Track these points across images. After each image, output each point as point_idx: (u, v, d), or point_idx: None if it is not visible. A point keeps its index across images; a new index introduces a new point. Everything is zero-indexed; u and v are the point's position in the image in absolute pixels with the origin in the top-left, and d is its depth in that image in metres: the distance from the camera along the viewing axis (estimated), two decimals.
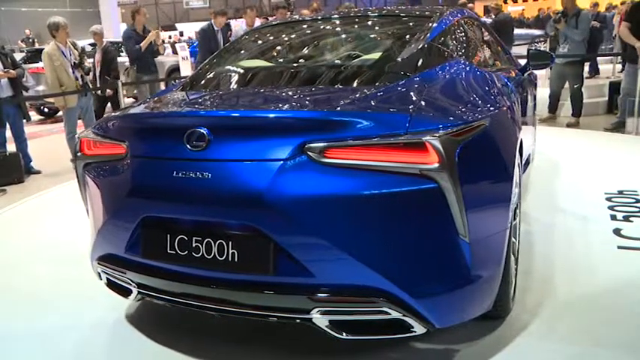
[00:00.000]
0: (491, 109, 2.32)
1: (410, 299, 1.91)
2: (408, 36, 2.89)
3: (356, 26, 3.45)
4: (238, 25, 9.68)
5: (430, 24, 2.88)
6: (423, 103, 2.11)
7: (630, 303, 2.69)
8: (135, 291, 2.32)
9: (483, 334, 2.41)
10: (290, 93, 2.48)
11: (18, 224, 4.61)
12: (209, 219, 2.07)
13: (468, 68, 2.72)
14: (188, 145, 2.03)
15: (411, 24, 3.15)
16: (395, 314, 1.93)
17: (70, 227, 4.25)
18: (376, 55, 2.78)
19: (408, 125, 1.88)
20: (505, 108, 2.51)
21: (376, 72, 2.54)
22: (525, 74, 4.12)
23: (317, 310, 1.96)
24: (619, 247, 3.35)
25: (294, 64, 3.01)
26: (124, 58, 12.89)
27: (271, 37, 3.49)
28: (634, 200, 4.18)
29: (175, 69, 13.47)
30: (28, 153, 6.73)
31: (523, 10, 29.25)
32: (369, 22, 3.44)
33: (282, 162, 1.92)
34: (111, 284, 2.46)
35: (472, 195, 1.95)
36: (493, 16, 10.58)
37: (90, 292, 2.95)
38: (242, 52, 3.35)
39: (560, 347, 2.33)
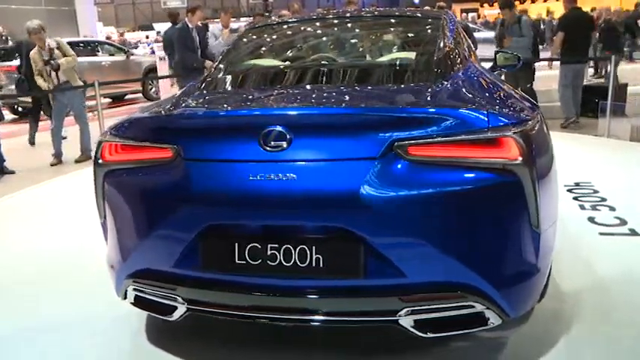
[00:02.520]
0: (529, 104, 2.37)
1: (493, 291, 1.93)
2: (429, 36, 2.98)
3: (374, 25, 3.50)
4: (214, 26, 9.64)
5: (443, 25, 2.97)
6: (486, 100, 2.18)
7: None
8: (182, 308, 2.12)
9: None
10: (352, 91, 2.46)
11: None
12: (291, 223, 1.96)
13: (482, 69, 2.85)
14: (265, 146, 1.92)
15: (425, 25, 3.22)
16: (479, 307, 1.94)
17: (39, 235, 4.19)
18: (410, 55, 2.86)
19: (488, 121, 1.91)
20: None
21: (418, 71, 2.62)
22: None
23: (406, 310, 1.92)
24: (600, 234, 3.54)
25: (334, 63, 3.01)
26: (101, 57, 12.80)
27: (290, 34, 3.47)
28: (592, 191, 4.46)
29: (152, 69, 13.36)
30: (2, 153, 6.62)
31: (499, 14, 29.58)
32: (385, 22, 3.49)
33: (373, 160, 1.88)
34: (142, 303, 2.27)
35: (542, 187, 2.00)
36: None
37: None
38: (263, 48, 3.32)
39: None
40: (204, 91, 2.69)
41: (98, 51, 13.17)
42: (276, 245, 1.93)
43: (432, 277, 1.92)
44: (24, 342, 2.61)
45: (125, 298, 2.29)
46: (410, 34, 3.25)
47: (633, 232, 3.55)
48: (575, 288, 2.81)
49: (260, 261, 1.95)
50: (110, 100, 12.90)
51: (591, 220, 3.78)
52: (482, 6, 30.61)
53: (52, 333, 2.66)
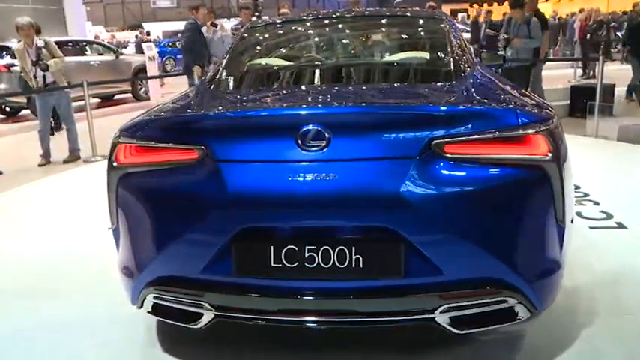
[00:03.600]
0: (545, 103, 2.40)
1: (525, 286, 1.97)
2: (439, 36, 3.03)
3: (384, 25, 3.53)
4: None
5: (449, 25, 3.07)
6: (509, 99, 2.23)
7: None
8: (208, 315, 2.05)
9: None
10: (381, 90, 2.48)
11: None
12: (330, 224, 1.94)
13: (486, 68, 2.92)
14: (304, 146, 1.90)
15: (433, 25, 3.27)
16: (512, 302, 1.97)
17: (29, 236, 4.15)
18: (424, 54, 2.92)
19: (519, 119, 1.95)
20: None
21: (436, 70, 2.68)
22: None
23: (443, 307, 1.94)
24: (590, 228, 3.64)
25: (350, 61, 3.03)
26: (89, 57, 12.69)
27: (299, 33, 3.48)
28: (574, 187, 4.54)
29: (142, 69, 13.29)
30: None
31: (485, 14, 29.67)
32: (394, 21, 3.51)
33: (412, 159, 1.89)
34: (161, 311, 2.19)
35: (566, 183, 2.05)
36: None
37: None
38: (276, 47, 3.32)
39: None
40: (221, 90, 2.63)
41: (87, 50, 13.07)
42: (314, 247, 1.90)
43: (468, 274, 1.95)
44: (24, 343, 2.59)
45: (141, 306, 2.20)
46: (421, 34, 3.28)
47: (620, 226, 3.71)
48: (586, 281, 2.89)
49: (297, 263, 1.92)
50: (99, 100, 12.81)
51: (579, 214, 3.87)
52: (471, 6, 30.70)
53: (52, 333, 2.65)
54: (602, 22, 14.52)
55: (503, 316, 2.02)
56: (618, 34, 16.60)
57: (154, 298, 2.13)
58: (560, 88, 9.69)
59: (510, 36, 7.64)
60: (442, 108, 2.06)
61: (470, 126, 1.92)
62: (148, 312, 2.21)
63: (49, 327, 2.70)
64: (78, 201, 4.95)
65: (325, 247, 1.90)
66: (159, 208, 2.06)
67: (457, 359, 2.30)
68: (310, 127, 1.90)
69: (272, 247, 1.93)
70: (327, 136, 1.89)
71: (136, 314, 2.52)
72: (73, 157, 6.94)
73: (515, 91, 2.45)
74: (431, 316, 1.95)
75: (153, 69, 13.37)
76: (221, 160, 1.96)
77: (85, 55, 12.84)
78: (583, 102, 7.84)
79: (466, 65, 2.64)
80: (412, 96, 2.33)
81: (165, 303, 2.13)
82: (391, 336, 2.41)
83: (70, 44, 13.05)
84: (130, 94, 13.33)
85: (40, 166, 6.80)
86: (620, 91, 8.99)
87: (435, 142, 1.90)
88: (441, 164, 1.90)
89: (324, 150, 1.89)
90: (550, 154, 1.94)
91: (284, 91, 2.53)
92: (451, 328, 1.97)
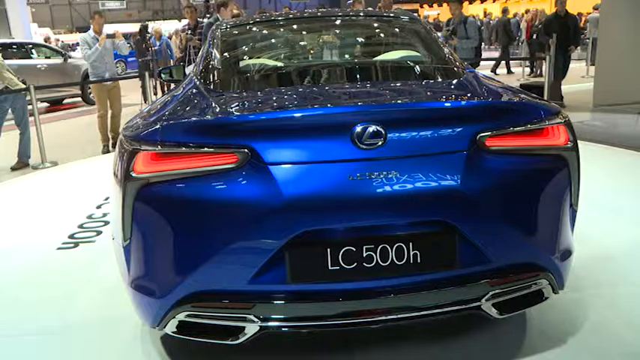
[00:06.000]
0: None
1: (554, 267, 2.12)
2: (426, 36, 3.11)
3: (371, 25, 3.56)
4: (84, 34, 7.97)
5: (426, 26, 3.19)
6: (518, 94, 2.31)
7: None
8: (252, 328, 1.93)
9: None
10: (412, 86, 2.52)
11: None
12: (390, 221, 1.93)
13: None
14: (360, 144, 1.87)
15: (415, 25, 3.32)
16: (544, 283, 2.10)
17: None
18: (415, 53, 3.01)
19: (542, 113, 2.10)
20: None
21: (441, 69, 2.76)
22: None
23: (490, 294, 2.00)
24: None
25: (351, 62, 3.09)
26: (36, 61, 12.31)
27: (291, 31, 3.45)
28: None
29: None
30: None
31: (438, 14, 30.29)
32: (380, 22, 3.55)
33: (462, 153, 1.95)
34: (192, 330, 2.01)
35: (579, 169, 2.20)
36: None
37: None
38: (280, 45, 3.30)
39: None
40: (233, 90, 2.53)
41: (33, 53, 12.67)
42: (372, 246, 1.89)
43: (511, 260, 2.04)
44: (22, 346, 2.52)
45: (164, 327, 2.02)
46: (409, 34, 3.32)
47: None
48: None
49: (355, 264, 1.90)
50: (48, 104, 12.44)
51: None
52: (421, 7, 31.23)
53: (48, 336, 2.60)
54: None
55: (534, 297, 2.14)
56: None
57: (188, 316, 1.97)
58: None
59: (447, 33, 7.72)
60: (486, 103, 2.18)
61: (506, 120, 2.05)
62: (173, 332, 2.03)
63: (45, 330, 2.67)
64: (28, 213, 4.78)
65: (383, 245, 1.90)
66: (195, 220, 1.91)
67: (475, 341, 2.40)
68: (367, 125, 1.88)
69: (329, 250, 1.89)
70: (383, 133, 1.89)
71: (130, 317, 2.50)
72: (22, 163, 6.71)
73: (510, 88, 2.63)
74: (478, 303, 2.01)
75: None
76: (272, 162, 1.87)
77: (31, 58, 12.45)
78: None
79: (460, 63, 2.80)
80: (448, 92, 2.41)
81: (198, 320, 1.98)
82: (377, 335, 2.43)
83: (15, 47, 12.63)
84: (79, 99, 12.98)
85: None
86: (567, 88, 9.31)
87: (479, 135, 1.98)
88: (487, 156, 1.99)
89: (381, 147, 1.89)
90: (570, 143, 2.12)
91: (317, 90, 2.46)
92: (495, 314, 2.05)
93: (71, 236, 3.98)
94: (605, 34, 8.46)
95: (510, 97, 2.26)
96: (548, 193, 2.08)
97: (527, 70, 14.21)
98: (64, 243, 3.86)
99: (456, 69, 2.71)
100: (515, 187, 2.02)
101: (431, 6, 32.27)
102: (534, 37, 14.66)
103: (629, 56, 8.18)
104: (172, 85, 4.71)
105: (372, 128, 1.88)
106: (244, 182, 1.87)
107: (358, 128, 1.88)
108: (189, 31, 8.76)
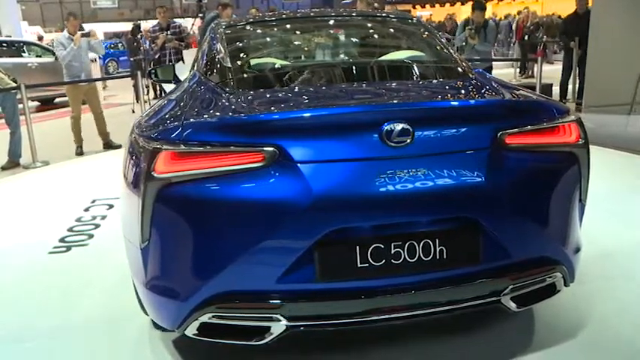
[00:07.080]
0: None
1: (568, 261, 2.19)
2: (431, 38, 3.13)
3: (381, 25, 3.56)
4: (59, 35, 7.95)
5: (427, 26, 3.27)
6: (527, 93, 2.39)
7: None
8: (279, 327, 1.93)
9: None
10: (431, 85, 2.57)
11: None
12: (418, 218, 1.96)
13: None
14: (390, 142, 1.88)
15: (418, 25, 3.38)
16: (558, 277, 2.16)
17: None
18: (431, 54, 3.03)
19: (555, 111, 2.17)
20: None
21: (450, 68, 2.80)
22: None
23: (510, 288, 2.04)
24: None
25: (370, 61, 3.08)
26: (27, 59, 12.22)
27: (301, 30, 3.43)
28: None
29: None
30: None
31: (430, 15, 30.36)
32: (386, 22, 3.55)
33: (486, 150, 1.99)
34: (215, 331, 2.00)
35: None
36: None
37: None
38: (288, 43, 3.31)
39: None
40: (259, 88, 2.46)
41: (24, 52, 12.58)
42: (400, 243, 1.92)
43: (530, 254, 2.09)
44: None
45: (185, 329, 1.99)
46: (419, 35, 3.32)
47: None
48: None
49: (384, 261, 1.91)
50: (39, 103, 12.36)
51: None
52: (414, 7, 31.26)
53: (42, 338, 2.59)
54: (538, 25, 15.12)
55: (547, 291, 2.19)
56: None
57: (212, 317, 1.94)
58: None
59: (471, 32, 7.44)
60: (507, 102, 2.25)
61: (525, 118, 2.10)
62: (193, 335, 2.00)
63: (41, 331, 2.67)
64: (18, 215, 4.74)
65: (411, 241, 1.92)
66: (220, 220, 1.89)
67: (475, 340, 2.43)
68: (396, 123, 1.89)
69: (358, 247, 1.90)
70: (411, 131, 1.90)
71: (131, 317, 2.49)
72: (13, 163, 6.66)
73: (521, 87, 2.68)
74: (498, 298, 2.05)
75: (95, 71, 12.99)
76: (301, 161, 1.86)
77: (22, 56, 12.37)
78: None
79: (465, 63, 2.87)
80: (470, 92, 2.43)
81: (222, 322, 1.96)
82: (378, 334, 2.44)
83: (5, 45, 12.55)
84: None
85: None
86: (557, 90, 9.34)
87: (500, 133, 2.02)
88: (507, 154, 2.02)
89: (410, 145, 1.91)
90: (582, 140, 2.18)
91: (341, 88, 2.46)
92: (514, 308, 2.09)
93: (62, 240, 3.94)
94: (596, 35, 8.49)
95: (526, 97, 2.33)
96: (563, 188, 2.14)
97: (519, 70, 14.28)
98: (55, 247, 3.81)
99: (467, 70, 2.73)
100: (533, 184, 2.08)
101: (423, 7, 32.29)
102: (526, 38, 14.78)
103: (620, 57, 8.22)
104: (165, 85, 4.68)
105: (401, 126, 1.88)
106: (272, 181, 1.85)
107: (387, 126, 1.88)
108: (168, 32, 8.61)
